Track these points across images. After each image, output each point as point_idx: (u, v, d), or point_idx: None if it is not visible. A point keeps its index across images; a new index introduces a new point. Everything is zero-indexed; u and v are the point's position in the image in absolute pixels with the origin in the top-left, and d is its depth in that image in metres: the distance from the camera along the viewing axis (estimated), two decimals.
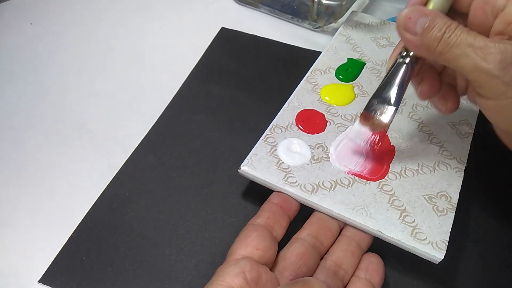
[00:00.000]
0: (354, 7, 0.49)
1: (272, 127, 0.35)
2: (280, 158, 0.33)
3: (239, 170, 0.32)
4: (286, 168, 0.32)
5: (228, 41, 0.48)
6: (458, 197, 0.31)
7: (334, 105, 0.37)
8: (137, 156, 0.37)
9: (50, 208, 0.34)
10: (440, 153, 0.34)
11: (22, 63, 0.45)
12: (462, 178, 0.32)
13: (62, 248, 0.32)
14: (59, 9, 0.52)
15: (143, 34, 0.49)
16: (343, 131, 0.35)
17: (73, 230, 0.33)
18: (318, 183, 0.31)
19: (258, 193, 0.33)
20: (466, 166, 0.33)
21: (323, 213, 0.31)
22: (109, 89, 0.43)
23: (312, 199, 0.31)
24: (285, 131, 0.35)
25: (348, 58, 0.41)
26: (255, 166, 0.32)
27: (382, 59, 0.41)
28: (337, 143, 0.34)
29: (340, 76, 0.40)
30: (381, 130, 0.31)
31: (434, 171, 0.32)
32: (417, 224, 0.29)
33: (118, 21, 0.50)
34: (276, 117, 0.36)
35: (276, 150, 0.33)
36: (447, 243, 0.28)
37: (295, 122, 0.35)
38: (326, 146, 0.34)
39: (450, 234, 0.29)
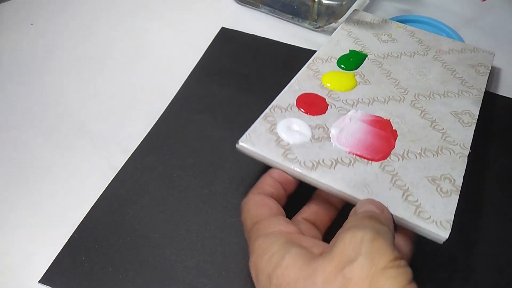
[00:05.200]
0: (354, 6, 0.49)
1: (272, 107, 0.34)
2: (279, 136, 0.32)
3: (237, 146, 0.31)
4: (286, 145, 0.31)
5: (228, 41, 0.48)
6: (462, 180, 0.30)
7: (336, 90, 0.36)
8: (137, 156, 0.37)
9: (50, 208, 0.34)
10: (443, 139, 0.33)
11: (22, 63, 0.45)
12: (466, 163, 0.31)
13: (62, 248, 0.32)
14: (59, 9, 0.52)
15: (143, 34, 0.49)
16: (345, 114, 0.34)
17: (73, 230, 0.33)
18: (318, 161, 0.30)
19: None
20: (469, 153, 0.32)
21: (323, 190, 0.30)
22: (109, 89, 0.43)
23: (312, 175, 0.30)
24: (285, 111, 0.34)
25: (350, 50, 0.41)
26: (254, 142, 0.31)
27: (385, 53, 0.41)
28: (340, 128, 0.33)
29: (342, 66, 0.39)
30: None
31: (437, 155, 0.32)
32: (420, 203, 0.28)
33: (118, 21, 0.50)
34: (276, 98, 0.35)
35: (275, 128, 0.32)
36: (451, 223, 0.27)
37: (295, 104, 0.34)
38: (327, 127, 0.33)
39: (452, 228, 0.28)
